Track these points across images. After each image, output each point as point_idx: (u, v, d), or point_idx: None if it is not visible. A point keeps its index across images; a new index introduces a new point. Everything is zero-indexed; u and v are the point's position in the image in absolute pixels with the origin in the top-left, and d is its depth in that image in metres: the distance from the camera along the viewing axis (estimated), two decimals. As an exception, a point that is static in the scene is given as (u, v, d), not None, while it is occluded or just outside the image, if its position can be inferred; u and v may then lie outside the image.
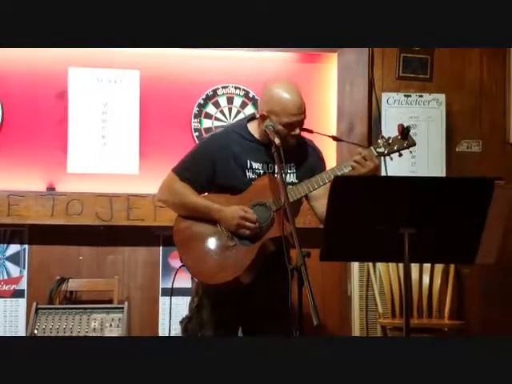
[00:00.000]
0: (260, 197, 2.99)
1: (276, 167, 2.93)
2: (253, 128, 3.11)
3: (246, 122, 3.16)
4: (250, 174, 3.05)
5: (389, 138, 2.98)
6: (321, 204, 3.00)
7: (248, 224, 2.94)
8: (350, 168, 2.93)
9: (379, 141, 2.98)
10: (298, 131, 2.98)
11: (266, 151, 3.02)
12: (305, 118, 3.00)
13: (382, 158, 4.31)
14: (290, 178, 3.07)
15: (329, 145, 4.05)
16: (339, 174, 2.93)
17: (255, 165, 3.06)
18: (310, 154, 3.15)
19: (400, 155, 2.99)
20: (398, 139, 2.97)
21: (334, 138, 3.25)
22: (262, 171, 3.05)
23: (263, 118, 3.00)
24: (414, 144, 2.97)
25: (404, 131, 2.94)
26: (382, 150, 2.94)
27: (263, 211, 2.98)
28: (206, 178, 3.08)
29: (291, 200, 2.86)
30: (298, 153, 3.09)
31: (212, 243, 3.01)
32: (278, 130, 2.94)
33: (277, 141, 2.88)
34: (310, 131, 3.11)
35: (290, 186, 2.99)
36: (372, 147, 2.97)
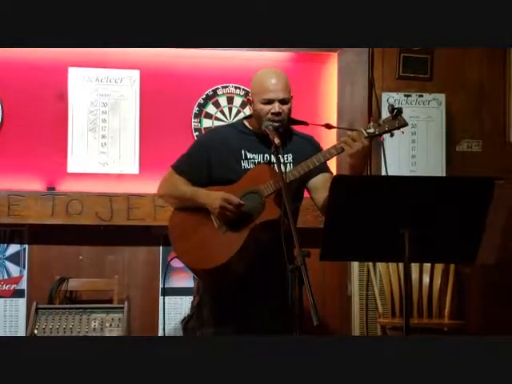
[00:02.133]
0: (253, 185, 3.01)
1: (273, 157, 2.95)
2: (249, 123, 3.18)
3: (242, 119, 3.26)
4: (245, 165, 3.08)
5: (380, 119, 2.99)
6: (320, 196, 3.04)
7: (230, 206, 2.94)
8: (340, 149, 2.94)
9: (370, 123, 2.98)
10: (277, 108, 3.01)
11: (262, 142, 3.08)
12: (288, 98, 3.04)
13: (383, 158, 4.36)
14: (287, 167, 3.08)
15: (329, 138, 4.05)
16: (328, 156, 2.97)
17: (250, 155, 3.09)
18: (306, 144, 3.18)
19: (391, 135, 2.98)
20: (388, 120, 2.96)
21: (328, 126, 3.26)
22: (257, 160, 3.09)
23: (250, 102, 3.13)
24: (405, 124, 2.95)
25: (394, 111, 2.94)
26: (372, 130, 2.93)
27: (255, 198, 2.98)
28: (202, 171, 3.11)
29: (287, 181, 2.88)
30: (295, 144, 3.14)
31: (203, 232, 3.02)
32: (258, 110, 3.04)
33: (277, 140, 2.90)
34: (306, 123, 3.14)
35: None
36: (362, 129, 2.96)
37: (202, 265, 2.99)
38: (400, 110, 2.94)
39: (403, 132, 3.06)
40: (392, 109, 2.94)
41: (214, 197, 2.99)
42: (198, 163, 3.13)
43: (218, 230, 3.00)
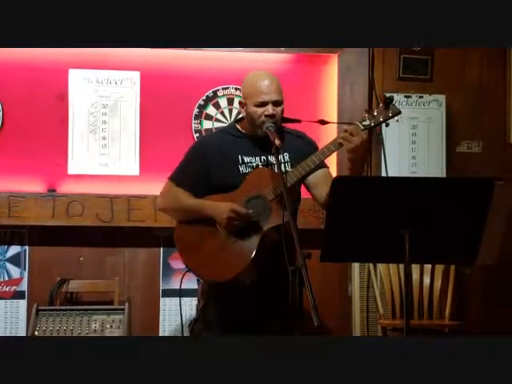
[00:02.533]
0: (255, 190, 3.00)
1: (270, 158, 2.96)
2: (241, 126, 3.17)
3: (234, 122, 3.26)
4: (243, 169, 3.07)
5: (373, 110, 2.98)
6: (321, 192, 3.04)
7: (238, 217, 2.94)
8: (339, 145, 2.93)
9: (365, 115, 2.98)
10: (270, 111, 3.01)
11: (256, 144, 3.08)
12: (280, 100, 3.04)
13: (383, 158, 4.36)
14: (285, 167, 3.08)
15: (330, 136, 4.04)
16: (327, 153, 2.96)
17: (247, 159, 3.09)
18: (299, 141, 3.18)
19: (387, 125, 2.98)
20: (382, 110, 2.95)
21: (321, 122, 3.25)
22: (254, 164, 3.08)
23: (242, 105, 3.12)
24: (398, 112, 2.95)
25: (386, 101, 2.94)
26: (367, 122, 2.93)
27: (259, 203, 2.98)
28: (201, 180, 3.10)
29: (288, 184, 2.89)
30: (289, 142, 3.12)
31: (212, 243, 3.01)
32: (252, 112, 3.03)
33: (277, 142, 2.90)
34: (298, 121, 3.13)
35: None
36: (358, 122, 2.96)
37: (218, 277, 2.98)
38: (391, 99, 2.94)
39: (398, 120, 3.05)
40: (384, 99, 2.94)
41: (221, 208, 2.98)
42: (197, 173, 3.11)
43: (226, 239, 3.00)
